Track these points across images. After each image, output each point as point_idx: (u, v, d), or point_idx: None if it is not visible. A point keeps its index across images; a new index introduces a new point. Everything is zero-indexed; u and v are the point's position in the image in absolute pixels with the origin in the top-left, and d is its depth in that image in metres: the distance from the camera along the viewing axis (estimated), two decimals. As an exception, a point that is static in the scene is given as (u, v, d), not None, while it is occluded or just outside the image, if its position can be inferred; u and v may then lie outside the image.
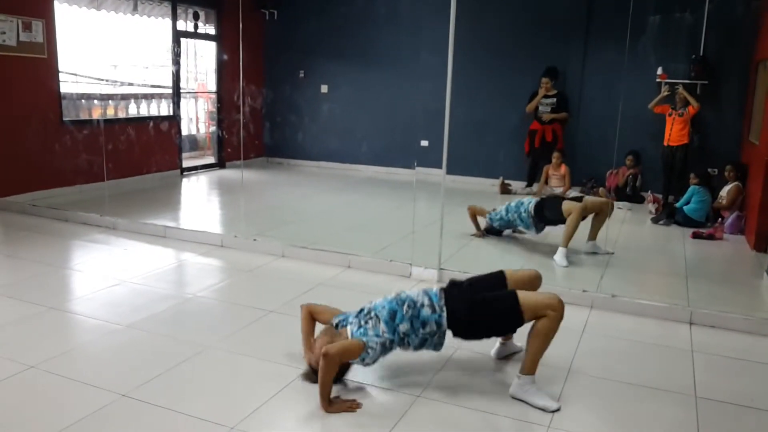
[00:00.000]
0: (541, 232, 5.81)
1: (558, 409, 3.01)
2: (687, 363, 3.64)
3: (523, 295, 3.10)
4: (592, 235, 5.72)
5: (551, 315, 3.03)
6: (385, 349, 3.11)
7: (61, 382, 3.15)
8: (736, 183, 7.03)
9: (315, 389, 3.07)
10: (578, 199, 5.77)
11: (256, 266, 5.14)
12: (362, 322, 3.14)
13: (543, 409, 3.00)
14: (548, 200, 5.85)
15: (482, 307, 3.15)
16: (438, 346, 3.19)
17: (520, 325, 3.12)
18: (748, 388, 3.37)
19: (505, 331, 3.33)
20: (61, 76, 7.41)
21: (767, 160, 5.87)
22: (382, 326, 3.09)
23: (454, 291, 3.26)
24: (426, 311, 3.12)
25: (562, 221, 5.50)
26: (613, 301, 4.44)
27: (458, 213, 6.34)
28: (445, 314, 3.12)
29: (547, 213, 5.64)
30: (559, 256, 5.35)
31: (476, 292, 3.24)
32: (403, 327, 3.10)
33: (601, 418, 3.03)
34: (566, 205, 5.54)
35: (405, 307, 3.14)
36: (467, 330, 3.18)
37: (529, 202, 5.81)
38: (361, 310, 3.24)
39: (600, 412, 3.09)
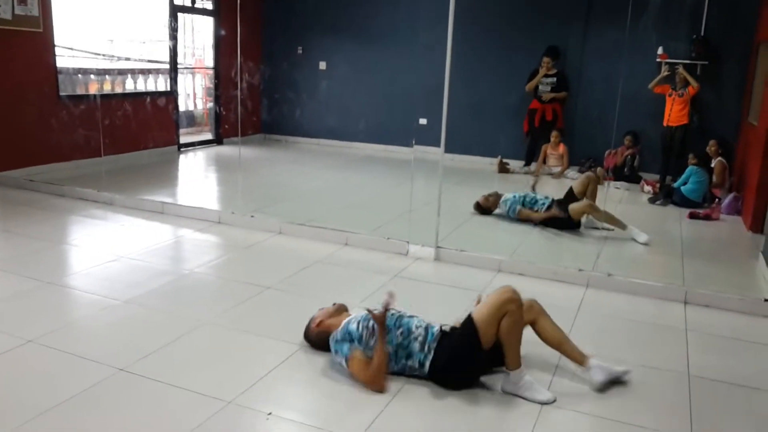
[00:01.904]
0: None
1: (554, 400, 2.92)
2: (681, 342, 3.67)
3: (476, 312, 2.98)
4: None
5: (510, 310, 2.92)
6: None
7: (59, 356, 3.17)
8: (719, 159, 7.03)
9: (312, 366, 3.11)
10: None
11: (254, 243, 5.15)
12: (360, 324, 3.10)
13: (539, 403, 2.90)
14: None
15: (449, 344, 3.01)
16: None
17: (479, 346, 2.93)
18: (741, 367, 3.40)
19: (473, 362, 3.01)
20: (57, 51, 7.34)
21: (765, 142, 5.86)
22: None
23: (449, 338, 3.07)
24: (415, 346, 3.02)
25: (573, 226, 5.77)
26: (609, 280, 4.46)
27: (456, 192, 6.34)
28: (431, 357, 3.00)
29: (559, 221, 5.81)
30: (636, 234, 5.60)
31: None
32: (388, 349, 3.02)
33: (594, 396, 3.05)
34: (573, 208, 5.78)
35: (399, 332, 3.05)
36: (441, 374, 3.01)
37: (543, 203, 5.95)
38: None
39: (594, 390, 3.12)
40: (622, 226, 5.65)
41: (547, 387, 3.05)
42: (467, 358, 2.99)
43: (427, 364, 3.01)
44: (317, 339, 3.27)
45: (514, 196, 6.05)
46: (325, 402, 2.90)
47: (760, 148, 6.03)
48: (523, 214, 5.89)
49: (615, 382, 3.09)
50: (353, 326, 3.10)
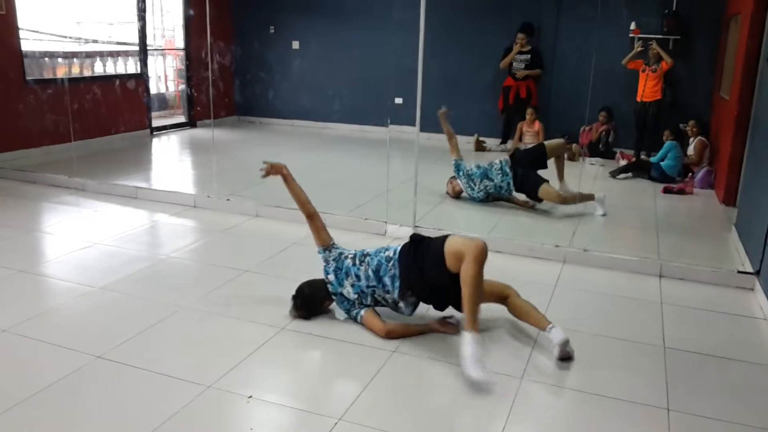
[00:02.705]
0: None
1: (487, 383, 2.84)
2: (656, 315, 3.72)
3: (450, 240, 3.10)
4: (560, 177, 5.95)
5: (467, 257, 2.94)
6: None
7: (35, 345, 3.12)
8: (699, 138, 7.12)
9: (291, 348, 3.11)
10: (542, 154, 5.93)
11: (230, 226, 5.11)
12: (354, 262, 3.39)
13: (467, 375, 2.86)
14: (524, 174, 5.83)
15: (421, 254, 3.21)
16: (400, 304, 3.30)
17: (444, 271, 3.04)
18: (715, 337, 3.47)
19: (439, 280, 3.13)
20: (22, 34, 7.14)
21: (737, 115, 5.93)
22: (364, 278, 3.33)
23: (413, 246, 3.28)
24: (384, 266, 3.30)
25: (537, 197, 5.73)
26: (586, 255, 4.51)
27: (433, 171, 6.33)
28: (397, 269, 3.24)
29: (525, 185, 5.77)
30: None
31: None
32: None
33: (572, 369, 3.09)
34: (543, 191, 5.67)
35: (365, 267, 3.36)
36: (408, 279, 3.20)
37: (504, 178, 5.81)
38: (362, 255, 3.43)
39: (571, 363, 3.16)
40: (592, 197, 5.71)
41: (526, 361, 3.08)
42: (432, 272, 3.13)
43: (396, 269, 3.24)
44: (311, 289, 3.46)
45: (469, 185, 5.93)
46: (305, 383, 2.90)
47: (731, 122, 6.11)
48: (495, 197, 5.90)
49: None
50: (349, 263, 3.39)
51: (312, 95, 10.17)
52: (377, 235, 4.95)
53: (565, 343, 3.12)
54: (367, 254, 3.40)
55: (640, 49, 7.99)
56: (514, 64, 8.56)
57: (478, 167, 5.94)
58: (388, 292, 3.28)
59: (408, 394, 2.82)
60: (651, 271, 4.35)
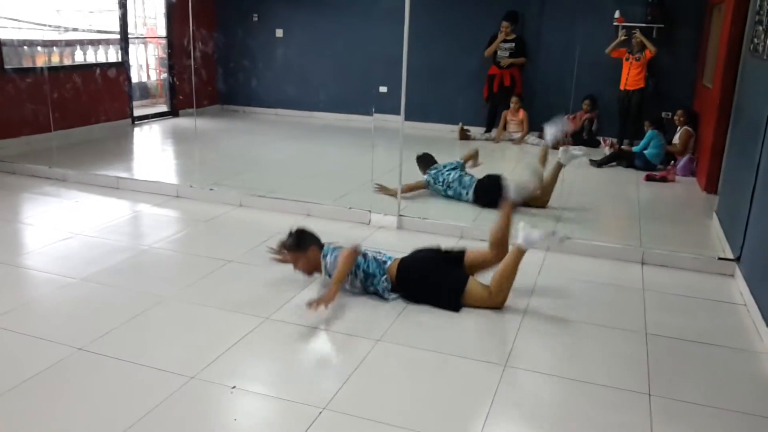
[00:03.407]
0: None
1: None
2: (638, 301, 3.75)
3: (471, 286, 3.49)
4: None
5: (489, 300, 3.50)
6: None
7: (15, 337, 3.09)
8: (686, 127, 7.17)
9: (275, 339, 3.11)
10: None
11: (213, 216, 5.07)
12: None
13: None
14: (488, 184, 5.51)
15: (432, 278, 3.55)
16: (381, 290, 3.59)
17: (456, 308, 3.49)
18: (696, 323, 3.51)
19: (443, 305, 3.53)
20: (0, 22, 7.02)
21: (719, 104, 5.97)
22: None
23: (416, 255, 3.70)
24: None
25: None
26: (569, 243, 4.51)
27: (417, 159, 6.31)
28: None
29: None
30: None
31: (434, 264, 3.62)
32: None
33: (555, 356, 3.11)
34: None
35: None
36: (409, 289, 3.58)
37: (469, 184, 5.56)
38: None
39: (554, 350, 3.18)
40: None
41: (509, 349, 3.10)
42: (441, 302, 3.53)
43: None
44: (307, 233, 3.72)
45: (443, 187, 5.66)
46: (289, 373, 2.89)
47: (714, 110, 6.15)
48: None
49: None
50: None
51: (296, 84, 10.10)
52: (362, 224, 4.95)
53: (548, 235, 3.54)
54: (366, 259, 3.63)
55: (623, 37, 8.02)
56: (499, 52, 8.56)
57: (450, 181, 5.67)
58: (375, 289, 3.62)
59: (392, 383, 2.82)
60: (633, 258, 4.38)
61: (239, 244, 4.41)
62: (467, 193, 5.53)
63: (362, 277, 3.60)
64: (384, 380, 2.84)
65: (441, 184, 5.65)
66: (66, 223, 4.76)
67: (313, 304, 3.24)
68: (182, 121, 9.39)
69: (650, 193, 6.30)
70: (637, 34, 7.88)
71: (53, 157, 6.34)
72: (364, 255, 3.64)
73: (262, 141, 8.42)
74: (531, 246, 3.55)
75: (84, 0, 8.61)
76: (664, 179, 6.69)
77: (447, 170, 5.69)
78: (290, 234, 3.70)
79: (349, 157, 7.43)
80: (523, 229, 3.55)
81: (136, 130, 8.79)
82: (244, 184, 5.73)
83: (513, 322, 3.39)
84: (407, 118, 5.10)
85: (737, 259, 4.17)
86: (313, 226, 4.82)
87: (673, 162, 7.13)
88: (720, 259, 4.27)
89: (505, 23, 8.45)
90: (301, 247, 3.66)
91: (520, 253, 3.51)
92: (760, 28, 4.48)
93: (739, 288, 3.97)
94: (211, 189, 5.51)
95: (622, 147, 7.71)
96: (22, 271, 3.95)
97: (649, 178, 6.70)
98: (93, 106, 8.15)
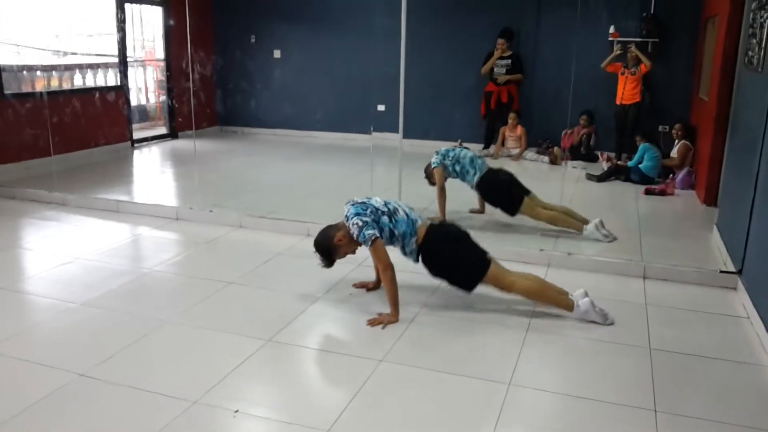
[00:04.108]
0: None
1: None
2: (641, 316, 3.74)
3: (492, 271, 3.59)
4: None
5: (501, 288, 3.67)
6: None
7: (15, 364, 3.07)
8: (683, 141, 7.19)
9: (278, 361, 3.09)
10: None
11: (214, 238, 5.07)
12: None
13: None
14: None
15: (460, 251, 3.65)
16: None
17: (469, 289, 3.67)
18: (699, 337, 3.49)
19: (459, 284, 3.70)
20: (0, 47, 7.07)
21: (716, 116, 5.99)
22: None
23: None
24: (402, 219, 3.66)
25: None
26: (570, 259, 4.53)
27: (416, 177, 6.30)
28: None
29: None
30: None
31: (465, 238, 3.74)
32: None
33: (560, 374, 3.10)
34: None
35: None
36: (432, 256, 3.64)
37: (480, 168, 5.38)
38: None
39: (559, 367, 3.17)
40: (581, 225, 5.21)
41: (513, 366, 3.08)
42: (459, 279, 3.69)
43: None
44: (323, 237, 3.73)
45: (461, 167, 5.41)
46: (292, 396, 2.87)
47: (710, 123, 6.17)
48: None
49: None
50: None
51: (294, 104, 10.15)
52: (362, 243, 4.93)
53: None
54: (395, 217, 3.64)
55: (619, 52, 8.07)
56: (495, 69, 8.61)
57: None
58: (404, 250, 3.70)
59: (396, 404, 2.81)
60: (635, 272, 4.37)
61: (240, 266, 4.40)
62: (473, 175, 5.30)
63: (388, 236, 3.62)
64: (388, 401, 2.82)
65: (450, 159, 5.39)
66: (66, 248, 4.76)
67: (374, 322, 3.50)
68: (181, 143, 9.41)
69: (650, 206, 6.30)
70: (633, 48, 7.93)
71: (53, 181, 6.35)
72: (393, 212, 3.63)
73: (261, 161, 8.44)
74: (580, 316, 3.62)
75: (83, 24, 8.66)
76: (663, 193, 6.69)
77: (462, 150, 5.49)
78: (319, 255, 3.74)
79: (348, 176, 7.44)
80: (585, 297, 3.65)
81: (136, 152, 8.82)
82: (244, 205, 5.73)
83: (516, 340, 3.38)
84: (406, 135, 5.12)
85: (739, 272, 4.16)
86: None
87: (671, 175, 7.14)
88: (722, 272, 4.26)
89: (500, 40, 8.51)
90: (331, 257, 3.71)
91: (566, 308, 3.65)
92: (754, 40, 4.50)
93: (741, 301, 3.95)
94: (210, 211, 5.51)
95: (619, 162, 7.73)
96: (22, 297, 3.94)
97: (648, 192, 6.71)
98: (92, 130, 8.17)
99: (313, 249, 3.74)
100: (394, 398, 2.85)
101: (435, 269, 3.67)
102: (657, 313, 3.79)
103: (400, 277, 3.59)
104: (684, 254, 4.72)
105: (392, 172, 5.13)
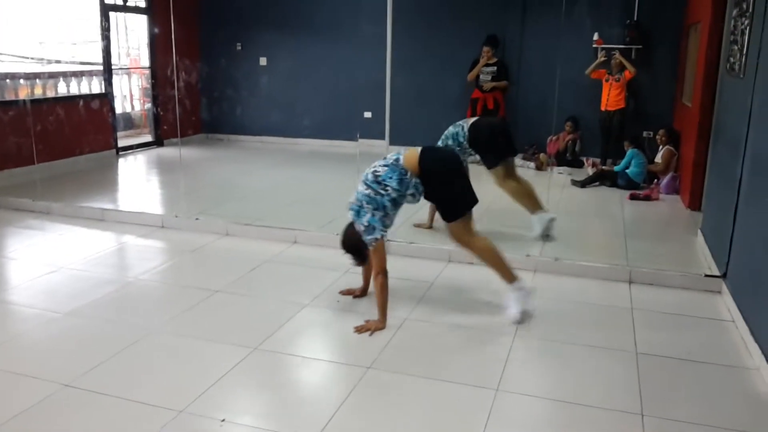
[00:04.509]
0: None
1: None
2: (627, 321, 3.76)
3: (467, 221, 3.70)
4: None
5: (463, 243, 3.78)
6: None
7: (-2, 375, 3.03)
8: (668, 147, 7.25)
9: (264, 369, 3.08)
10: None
11: (200, 246, 5.04)
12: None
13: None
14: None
15: (457, 182, 3.69)
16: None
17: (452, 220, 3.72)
18: (685, 341, 3.51)
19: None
20: (-18, 55, 7.02)
21: (699, 122, 6.06)
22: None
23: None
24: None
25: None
26: (556, 264, 4.54)
27: (403, 184, 6.33)
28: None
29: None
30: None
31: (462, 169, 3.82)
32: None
33: (547, 379, 3.10)
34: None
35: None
36: (430, 180, 3.62)
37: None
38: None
39: (546, 372, 3.17)
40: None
41: (500, 372, 3.08)
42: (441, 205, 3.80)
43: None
44: (348, 238, 3.69)
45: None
46: (279, 404, 2.86)
47: (694, 128, 6.23)
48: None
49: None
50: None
51: (281, 111, 10.14)
52: (349, 250, 4.93)
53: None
54: (384, 183, 3.58)
55: (603, 59, 8.15)
56: (481, 76, 8.64)
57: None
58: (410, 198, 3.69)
59: (384, 411, 2.80)
60: (620, 277, 4.40)
61: (226, 274, 4.38)
62: (463, 135, 5.11)
63: (391, 207, 3.61)
64: (375, 408, 2.81)
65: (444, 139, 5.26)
66: (51, 257, 4.72)
67: (362, 329, 3.49)
68: (167, 151, 9.37)
69: (635, 211, 6.35)
70: (617, 55, 8.01)
71: (37, 190, 6.29)
72: (383, 182, 3.57)
73: (247, 169, 8.41)
74: (514, 292, 3.70)
75: (67, 32, 8.62)
76: (648, 198, 6.75)
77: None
78: (349, 254, 3.76)
79: (334, 183, 7.43)
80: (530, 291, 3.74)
81: (121, 160, 8.76)
82: (230, 213, 5.71)
83: (503, 346, 3.38)
84: (392, 142, 5.13)
85: (723, 276, 4.20)
86: (300, 253, 4.85)
87: (656, 180, 7.20)
88: (706, 276, 4.30)
89: (486, 48, 8.55)
90: (362, 253, 3.69)
91: (508, 279, 3.73)
92: (736, 47, 4.56)
93: (726, 304, 3.99)
94: (196, 218, 5.48)
95: (603, 167, 7.79)
96: (6, 307, 3.89)
97: (633, 197, 6.76)
98: (77, 138, 8.12)
99: (343, 251, 3.75)
100: (382, 405, 2.84)
101: (429, 195, 3.71)
102: (643, 317, 3.81)
103: (390, 285, 3.58)
104: (669, 258, 4.76)
105: (379, 179, 5.12)
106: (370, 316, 3.63)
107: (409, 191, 3.62)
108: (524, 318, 3.65)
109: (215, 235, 5.29)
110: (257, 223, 5.35)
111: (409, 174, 3.57)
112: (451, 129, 5.23)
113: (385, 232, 3.60)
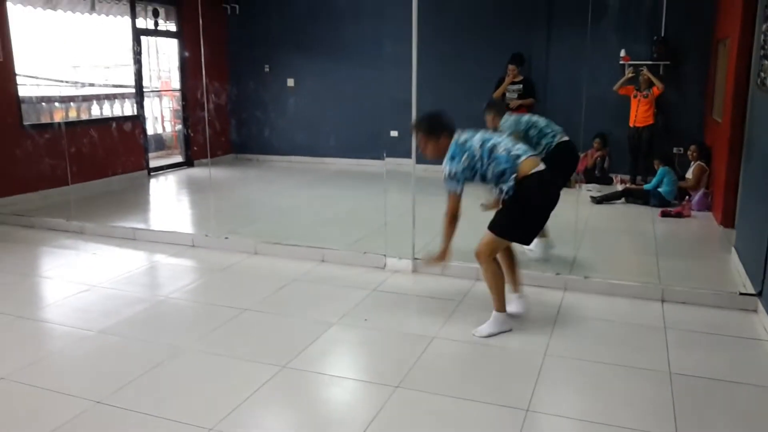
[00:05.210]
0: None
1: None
2: (660, 340, 3.69)
3: (495, 240, 3.70)
4: None
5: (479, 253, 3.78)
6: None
7: (33, 391, 3.08)
8: (699, 162, 7.15)
9: (293, 387, 3.08)
10: None
11: (229, 265, 5.09)
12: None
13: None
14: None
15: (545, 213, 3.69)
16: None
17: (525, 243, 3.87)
18: (720, 361, 3.43)
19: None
20: (19, 80, 7.21)
21: (730, 138, 5.97)
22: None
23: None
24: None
25: None
26: (586, 282, 4.49)
27: (430, 202, 6.28)
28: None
29: None
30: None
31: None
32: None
33: (578, 399, 3.06)
34: None
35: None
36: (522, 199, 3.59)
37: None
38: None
39: (577, 393, 3.12)
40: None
41: (530, 392, 3.04)
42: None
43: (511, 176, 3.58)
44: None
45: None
46: (307, 423, 2.85)
47: (725, 144, 6.14)
48: None
49: None
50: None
51: (308, 131, 10.24)
52: (377, 268, 4.94)
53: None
54: (494, 155, 3.57)
55: (630, 75, 8.09)
56: (507, 94, 8.63)
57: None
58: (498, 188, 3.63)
59: (412, 431, 2.78)
60: (653, 295, 4.32)
61: (255, 292, 4.41)
62: (552, 136, 5.63)
63: (479, 179, 3.62)
64: (404, 428, 2.80)
65: (524, 126, 5.66)
66: (83, 276, 4.80)
67: (430, 261, 3.80)
68: (197, 171, 9.51)
69: (666, 229, 6.26)
70: (644, 71, 7.95)
71: (71, 210, 6.43)
72: (491, 151, 3.56)
73: (275, 188, 8.49)
74: (479, 328, 3.75)
75: (100, 55, 8.84)
76: (679, 215, 6.65)
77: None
78: (425, 117, 3.82)
79: (362, 202, 7.47)
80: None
81: (152, 181, 8.92)
82: (259, 232, 5.76)
83: (534, 365, 3.34)
84: (419, 161, 5.13)
85: (759, 294, 4.10)
86: (328, 271, 4.86)
87: (687, 197, 7.09)
88: (741, 294, 4.20)
89: (511, 66, 8.54)
90: (434, 132, 3.72)
91: (497, 308, 3.78)
92: (766, 62, 4.50)
93: (762, 323, 3.89)
94: (226, 237, 5.54)
95: (628, 185, 7.69)
96: (40, 325, 3.96)
97: (664, 214, 6.66)
98: (110, 159, 8.29)
99: (430, 113, 3.90)
100: (411, 425, 2.82)
101: (510, 204, 3.61)
102: (676, 336, 3.74)
103: (417, 303, 3.58)
104: (702, 276, 4.67)
105: (406, 198, 5.14)
106: (398, 334, 3.63)
107: (498, 185, 3.60)
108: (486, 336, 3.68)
109: (244, 254, 5.34)
110: (285, 242, 5.38)
111: (513, 177, 3.55)
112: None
113: (461, 188, 3.63)
